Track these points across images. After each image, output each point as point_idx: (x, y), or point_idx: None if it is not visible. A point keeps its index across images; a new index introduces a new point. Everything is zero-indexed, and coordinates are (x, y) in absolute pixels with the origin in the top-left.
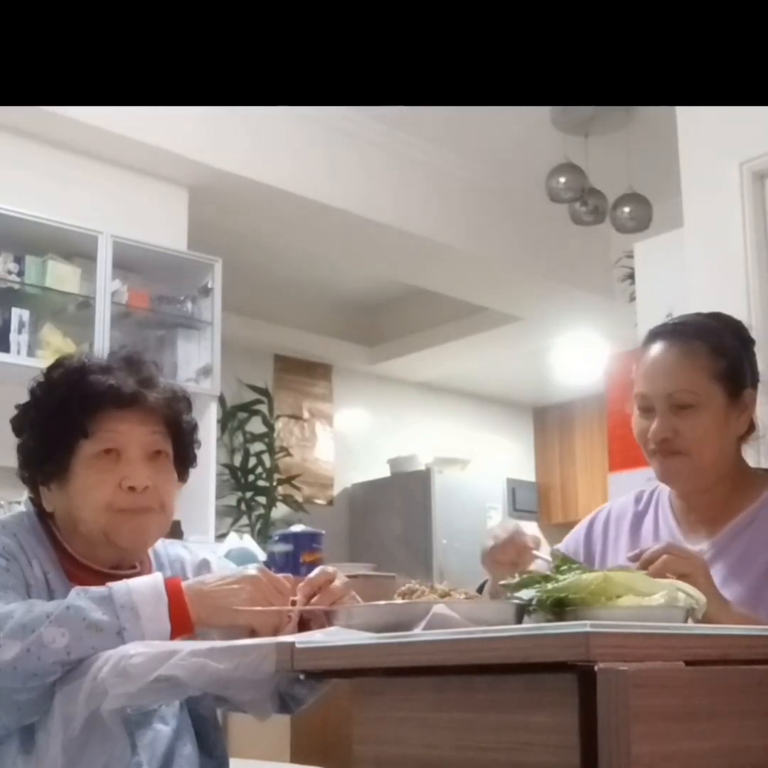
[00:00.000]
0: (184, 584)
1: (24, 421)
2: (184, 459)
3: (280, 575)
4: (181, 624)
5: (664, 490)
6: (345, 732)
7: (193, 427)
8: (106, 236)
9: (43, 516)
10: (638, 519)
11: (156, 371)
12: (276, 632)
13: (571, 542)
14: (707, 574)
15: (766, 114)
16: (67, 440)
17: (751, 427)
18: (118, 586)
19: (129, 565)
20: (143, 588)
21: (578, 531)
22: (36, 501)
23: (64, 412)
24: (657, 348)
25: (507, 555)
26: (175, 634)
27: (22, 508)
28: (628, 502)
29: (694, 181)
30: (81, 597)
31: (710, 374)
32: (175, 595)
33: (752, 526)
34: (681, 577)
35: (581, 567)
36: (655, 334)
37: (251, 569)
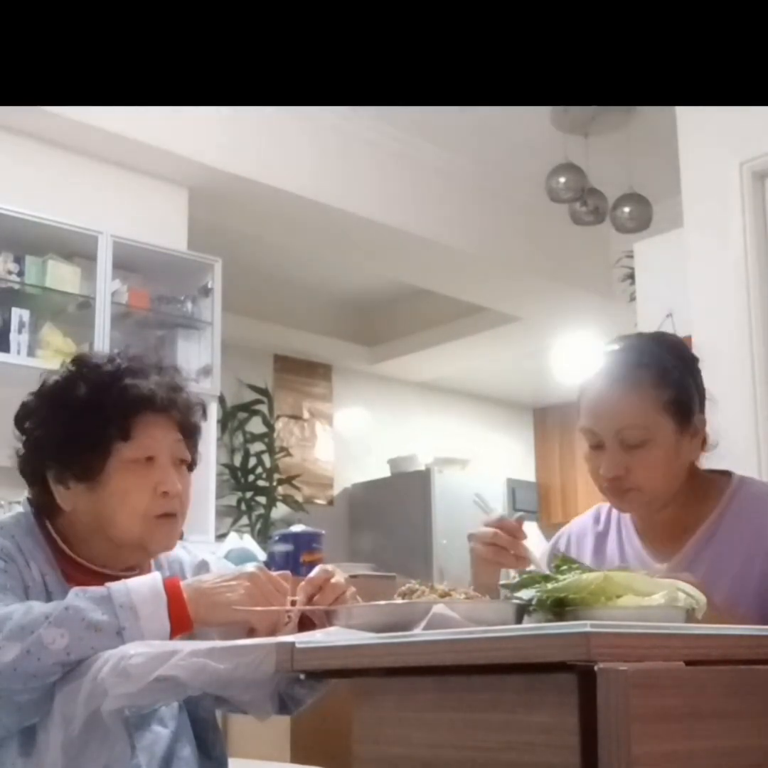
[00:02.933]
0: (182, 583)
1: (42, 416)
2: (191, 464)
3: (278, 573)
4: (181, 623)
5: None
6: (345, 732)
7: (200, 433)
8: (106, 236)
9: (40, 516)
10: (600, 540)
11: (180, 378)
12: (274, 631)
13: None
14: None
15: (766, 114)
16: (105, 442)
17: (704, 442)
18: (116, 587)
19: (134, 566)
20: (142, 588)
21: (544, 552)
22: (35, 501)
23: (101, 413)
24: (600, 380)
25: (492, 554)
26: (174, 633)
27: (19, 508)
28: (587, 521)
29: (694, 181)
30: (80, 597)
31: (658, 406)
32: (173, 594)
33: (716, 537)
34: None
35: (581, 567)
36: (598, 365)
37: (250, 567)
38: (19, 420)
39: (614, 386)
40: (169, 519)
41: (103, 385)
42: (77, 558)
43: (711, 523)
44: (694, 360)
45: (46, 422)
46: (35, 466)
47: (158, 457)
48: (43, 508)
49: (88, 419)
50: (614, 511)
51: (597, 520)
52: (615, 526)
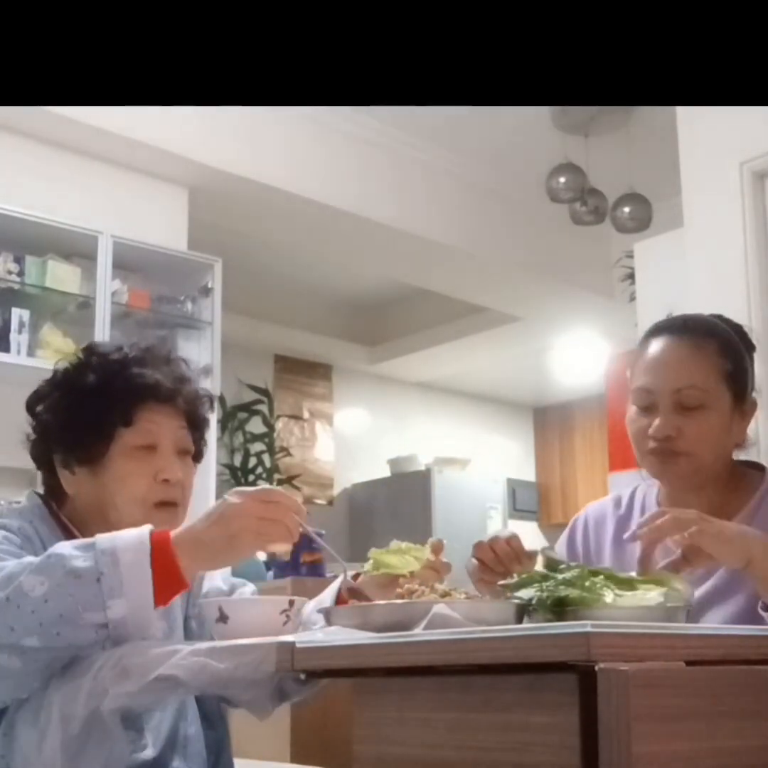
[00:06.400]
0: (174, 534)
1: (50, 401)
2: (197, 455)
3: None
4: (167, 576)
5: (650, 494)
6: (345, 732)
7: (207, 425)
8: (106, 236)
9: (50, 504)
10: (622, 524)
11: (187, 369)
12: (292, 539)
13: (558, 551)
14: (711, 519)
15: (766, 114)
16: (107, 428)
17: (744, 437)
18: (103, 535)
19: None
20: (127, 535)
21: (562, 541)
22: (44, 486)
23: (106, 399)
24: (663, 341)
25: (494, 574)
26: (159, 585)
27: (25, 502)
28: (606, 507)
29: (694, 181)
30: (65, 546)
31: (719, 373)
32: (159, 543)
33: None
34: (691, 536)
35: (570, 568)
36: (659, 329)
37: (231, 498)
38: (31, 405)
39: (678, 347)
40: (169, 508)
41: (110, 373)
42: None
43: (743, 518)
44: (752, 346)
45: (54, 407)
46: (43, 451)
47: (160, 445)
48: (51, 494)
49: (93, 404)
50: (638, 495)
51: (618, 504)
52: (639, 510)
